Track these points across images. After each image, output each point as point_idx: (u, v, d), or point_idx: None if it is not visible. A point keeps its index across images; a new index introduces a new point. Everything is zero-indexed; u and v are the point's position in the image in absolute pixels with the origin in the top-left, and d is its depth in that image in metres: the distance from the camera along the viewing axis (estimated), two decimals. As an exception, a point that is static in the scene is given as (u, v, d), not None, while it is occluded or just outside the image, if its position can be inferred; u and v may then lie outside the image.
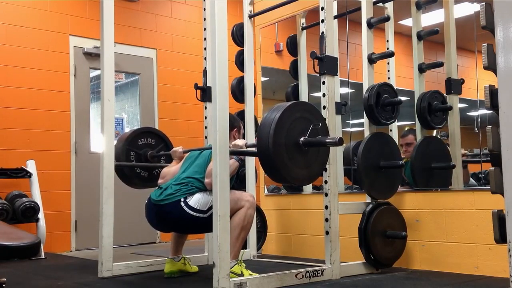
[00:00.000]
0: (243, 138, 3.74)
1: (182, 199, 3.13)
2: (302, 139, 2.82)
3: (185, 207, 3.11)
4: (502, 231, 1.77)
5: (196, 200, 3.13)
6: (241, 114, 4.34)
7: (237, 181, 4.07)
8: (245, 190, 4.19)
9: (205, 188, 3.16)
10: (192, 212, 3.11)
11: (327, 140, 2.84)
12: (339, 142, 2.78)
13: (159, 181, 3.48)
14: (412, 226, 3.60)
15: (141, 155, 3.88)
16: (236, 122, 3.54)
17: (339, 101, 4.37)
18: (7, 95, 5.10)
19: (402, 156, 4.19)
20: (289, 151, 2.77)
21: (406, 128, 4.34)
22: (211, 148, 3.22)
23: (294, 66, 4.76)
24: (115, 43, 3.66)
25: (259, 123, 4.52)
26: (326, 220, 3.25)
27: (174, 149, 3.68)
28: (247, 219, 3.13)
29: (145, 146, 3.93)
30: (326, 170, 3.27)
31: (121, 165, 3.76)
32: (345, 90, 4.58)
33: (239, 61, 4.35)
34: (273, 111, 2.79)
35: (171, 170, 3.48)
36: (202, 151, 3.45)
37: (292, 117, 2.80)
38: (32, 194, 4.86)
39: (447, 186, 3.71)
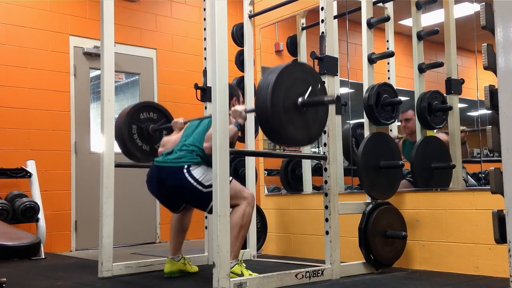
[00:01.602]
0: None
1: (186, 166, 3.14)
2: (300, 99, 2.80)
3: (187, 174, 3.12)
4: (502, 231, 1.77)
5: (200, 172, 3.14)
6: (241, 114, 4.34)
7: (237, 181, 4.06)
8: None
9: (208, 161, 3.12)
10: (192, 181, 3.11)
11: (325, 99, 2.83)
12: (337, 100, 2.80)
13: (160, 149, 3.49)
14: (412, 226, 3.60)
15: (142, 128, 3.88)
16: (235, 91, 3.50)
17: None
18: (7, 95, 5.10)
19: (401, 136, 4.19)
20: (287, 112, 2.75)
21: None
22: (211, 117, 3.24)
23: (294, 66, 4.75)
24: (115, 43, 3.66)
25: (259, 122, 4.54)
26: (326, 220, 3.25)
27: (175, 120, 3.68)
28: (246, 217, 3.12)
29: (146, 120, 3.92)
30: (326, 170, 3.27)
31: (123, 139, 3.77)
32: (345, 90, 4.58)
33: (239, 61, 4.36)
34: (270, 73, 2.75)
35: (171, 139, 3.50)
36: (202, 120, 3.46)
37: (290, 78, 2.78)
38: (32, 194, 4.86)
39: (447, 186, 3.71)
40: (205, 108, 4.05)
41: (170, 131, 3.77)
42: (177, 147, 3.30)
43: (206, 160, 3.16)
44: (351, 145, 4.31)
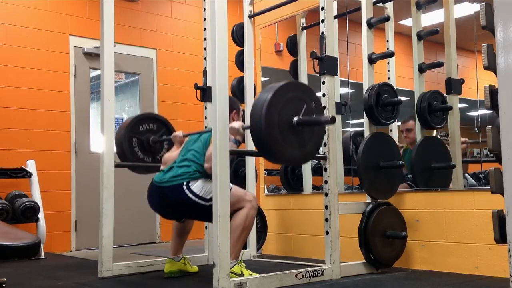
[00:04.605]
0: (243, 121, 3.72)
1: (185, 183, 3.14)
2: (295, 118, 2.79)
3: (187, 191, 3.12)
4: (502, 231, 1.77)
5: (199, 186, 3.13)
6: (241, 114, 4.34)
7: (237, 181, 4.07)
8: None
9: (207, 174, 3.14)
10: (193, 197, 3.11)
11: (321, 119, 2.82)
12: (331, 120, 2.77)
13: (161, 167, 3.49)
14: (412, 226, 3.60)
15: (143, 141, 3.88)
16: (235, 104, 3.49)
17: (339, 101, 4.37)
18: (7, 95, 5.10)
19: (401, 145, 4.19)
20: (282, 131, 2.73)
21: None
22: (210, 131, 3.21)
23: (294, 66, 4.75)
24: (115, 43, 3.66)
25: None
26: (326, 220, 3.25)
27: (174, 133, 3.67)
28: (249, 219, 3.12)
29: (146, 132, 3.91)
30: (326, 170, 3.27)
31: (124, 152, 3.79)
32: (345, 90, 4.58)
33: (239, 61, 4.35)
34: (265, 91, 2.74)
35: (172, 155, 3.50)
36: (201, 134, 3.45)
37: (285, 97, 2.76)
38: (32, 194, 4.86)
39: (447, 186, 3.71)
40: (205, 108, 4.05)
41: (170, 143, 3.77)
42: (176, 162, 3.30)
43: (205, 173, 3.18)
44: (351, 153, 4.31)
